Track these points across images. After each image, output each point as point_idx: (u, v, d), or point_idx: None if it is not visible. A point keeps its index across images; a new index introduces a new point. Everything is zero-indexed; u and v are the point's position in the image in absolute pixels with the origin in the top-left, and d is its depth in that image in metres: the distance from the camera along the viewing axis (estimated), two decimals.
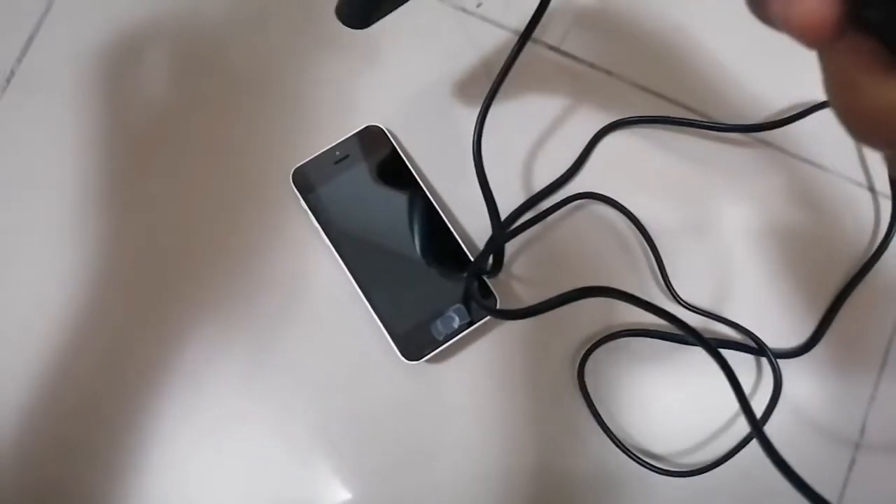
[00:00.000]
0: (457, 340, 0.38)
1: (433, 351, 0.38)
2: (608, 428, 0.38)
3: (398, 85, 0.42)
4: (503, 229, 0.39)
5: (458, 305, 0.38)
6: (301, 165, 0.40)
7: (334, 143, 0.40)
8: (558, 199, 0.40)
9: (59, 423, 0.38)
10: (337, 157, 0.40)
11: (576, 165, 0.41)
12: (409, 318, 0.38)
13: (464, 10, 0.43)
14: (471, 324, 0.38)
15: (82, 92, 0.41)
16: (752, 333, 0.39)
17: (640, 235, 0.41)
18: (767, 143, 0.42)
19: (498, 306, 0.38)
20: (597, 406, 0.38)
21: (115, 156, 0.41)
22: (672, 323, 0.26)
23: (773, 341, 0.40)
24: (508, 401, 0.39)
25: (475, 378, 0.39)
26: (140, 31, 0.42)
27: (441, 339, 0.38)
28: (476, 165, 0.38)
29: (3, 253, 0.39)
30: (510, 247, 0.40)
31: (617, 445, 0.38)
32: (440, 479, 0.38)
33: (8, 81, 0.41)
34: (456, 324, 0.38)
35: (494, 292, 0.39)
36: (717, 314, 0.40)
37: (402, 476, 0.38)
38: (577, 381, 0.39)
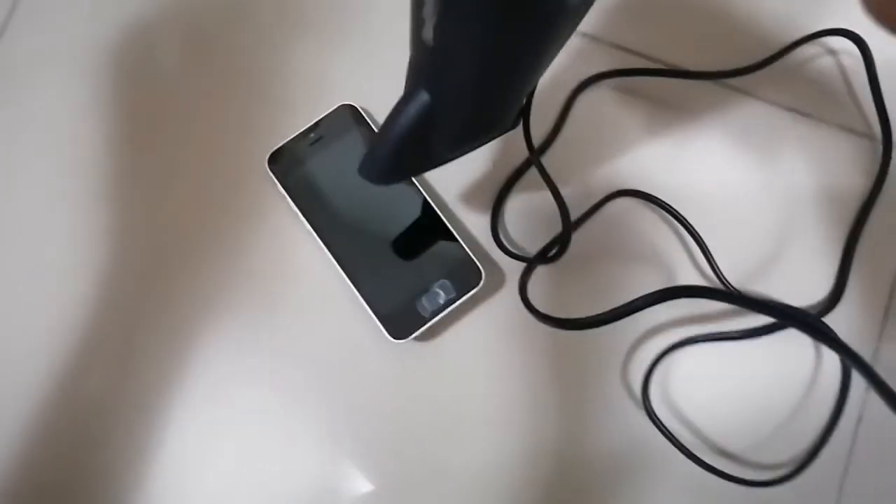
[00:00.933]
0: (445, 316, 0.38)
1: (420, 328, 0.37)
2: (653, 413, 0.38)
3: (371, 62, 0.41)
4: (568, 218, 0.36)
5: (442, 280, 0.38)
6: (276, 149, 0.39)
7: (309, 125, 0.40)
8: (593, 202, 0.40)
9: (65, 422, 0.38)
10: (312, 139, 0.39)
11: (557, 125, 0.41)
12: (393, 298, 0.38)
13: None
14: (457, 298, 0.38)
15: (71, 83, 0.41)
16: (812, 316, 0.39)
17: (678, 226, 0.40)
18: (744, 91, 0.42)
19: (483, 281, 0.38)
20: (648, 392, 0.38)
21: (95, 147, 0.40)
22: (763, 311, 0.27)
23: (799, 301, 0.39)
24: (511, 373, 0.39)
25: (469, 351, 0.39)
26: (115, 20, 0.42)
27: (427, 315, 0.37)
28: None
29: None
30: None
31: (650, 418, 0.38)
32: (449, 458, 0.38)
33: None
34: (442, 299, 0.38)
35: (480, 266, 0.38)
36: (759, 294, 0.40)
37: (412, 458, 0.38)
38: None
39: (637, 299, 0.28)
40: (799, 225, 0.40)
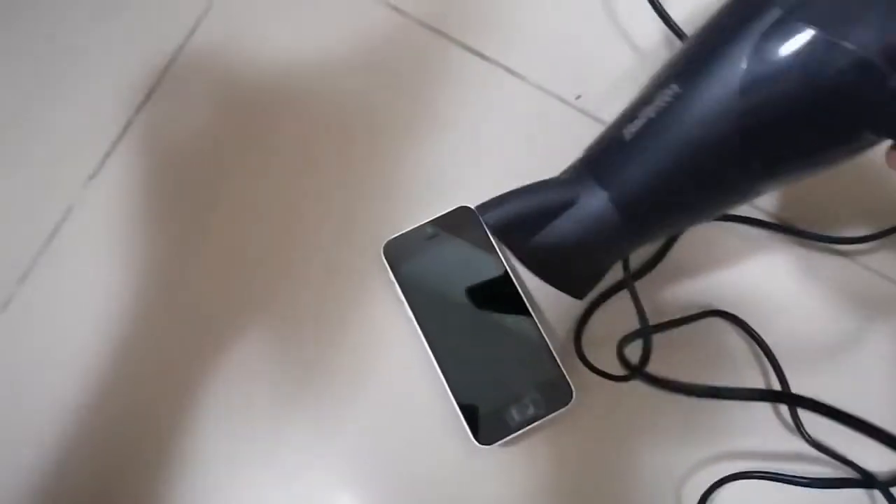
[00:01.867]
0: (529, 429, 0.38)
1: (507, 437, 0.38)
2: None
3: (493, 169, 0.43)
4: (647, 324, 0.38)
5: (534, 393, 0.39)
6: (393, 238, 0.41)
7: (427, 220, 0.42)
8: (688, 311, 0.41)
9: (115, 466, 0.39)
10: (428, 234, 0.41)
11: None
12: (485, 401, 0.39)
13: (562, 100, 0.44)
14: (547, 413, 0.38)
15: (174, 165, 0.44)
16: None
17: (766, 361, 0.41)
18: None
19: (573, 400, 0.39)
20: None
21: (201, 214, 0.43)
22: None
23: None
24: (583, 493, 0.39)
25: (547, 467, 0.39)
26: (254, 89, 0.45)
27: (514, 425, 0.38)
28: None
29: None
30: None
31: None
32: None
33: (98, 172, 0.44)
34: (531, 411, 0.38)
35: (571, 384, 0.39)
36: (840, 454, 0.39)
37: None
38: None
39: (741, 389, 0.29)
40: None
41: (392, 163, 0.44)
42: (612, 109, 0.44)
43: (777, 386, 0.40)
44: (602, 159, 0.33)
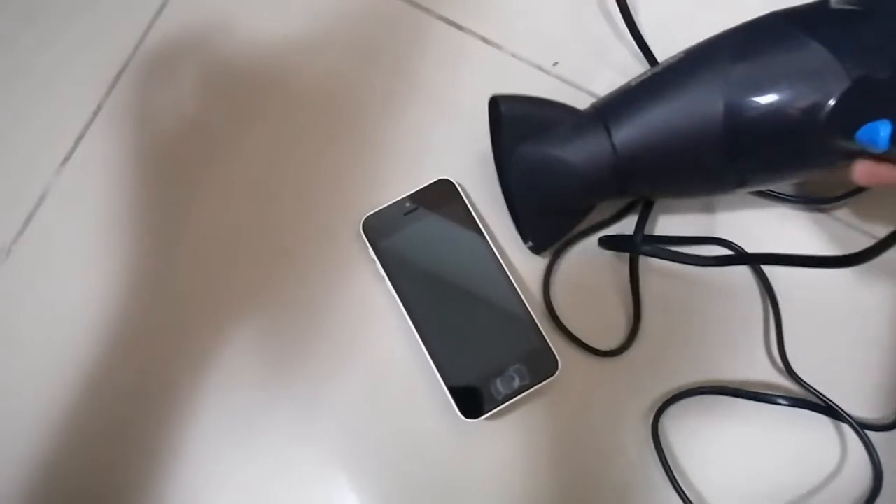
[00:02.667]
0: (515, 401, 0.38)
1: (492, 410, 0.37)
2: (685, 496, 0.38)
3: (473, 140, 0.42)
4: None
5: (519, 365, 0.38)
6: (372, 214, 0.41)
7: (406, 194, 0.41)
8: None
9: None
10: (407, 209, 0.41)
11: None
12: (469, 375, 0.38)
13: (540, 68, 0.44)
14: (532, 384, 0.38)
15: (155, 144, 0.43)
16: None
17: (766, 298, 0.41)
18: None
19: (559, 371, 0.38)
20: (672, 469, 0.38)
21: (181, 193, 0.42)
22: None
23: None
24: (571, 462, 0.39)
25: (534, 438, 0.39)
26: (230, 66, 0.44)
27: (500, 398, 0.38)
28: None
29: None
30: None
31: None
32: None
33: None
34: (516, 384, 0.38)
35: (556, 355, 0.38)
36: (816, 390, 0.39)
37: None
38: (651, 442, 0.38)
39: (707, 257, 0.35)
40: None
41: (370, 137, 0.43)
42: (588, 76, 0.43)
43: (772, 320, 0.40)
44: (609, 100, 0.36)
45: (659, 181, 0.37)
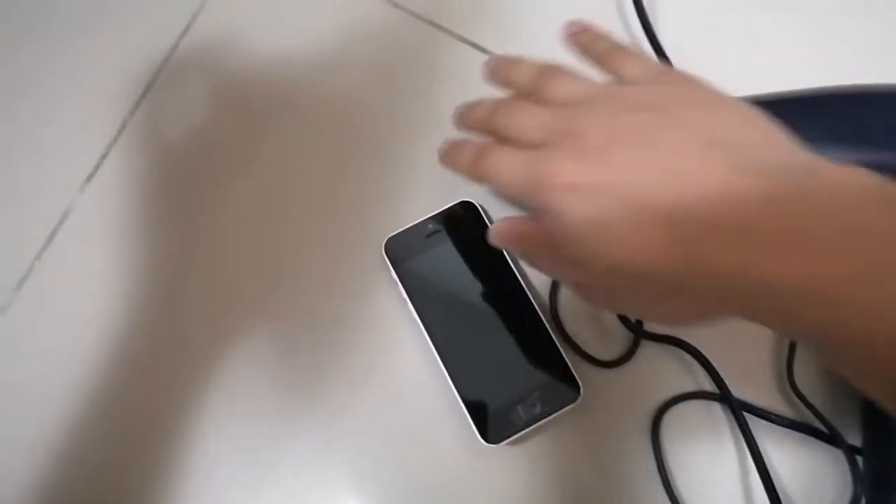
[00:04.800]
0: (536, 426, 0.37)
1: (514, 435, 0.37)
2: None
3: None
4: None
5: (540, 390, 0.38)
6: (394, 235, 0.40)
7: (428, 216, 0.41)
8: None
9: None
10: (430, 230, 0.41)
11: None
12: (490, 400, 0.38)
13: None
14: (554, 410, 0.37)
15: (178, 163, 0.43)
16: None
17: None
18: None
19: (581, 397, 0.38)
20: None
21: (199, 214, 0.42)
22: None
23: None
24: (584, 493, 0.38)
25: (553, 463, 0.38)
26: (253, 87, 0.44)
27: (521, 423, 0.37)
28: None
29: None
30: None
31: None
32: None
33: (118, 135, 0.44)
34: (538, 409, 0.38)
35: (579, 381, 0.38)
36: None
37: None
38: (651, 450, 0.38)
39: None
40: None
41: (391, 158, 0.43)
42: None
43: None
44: None
45: None
